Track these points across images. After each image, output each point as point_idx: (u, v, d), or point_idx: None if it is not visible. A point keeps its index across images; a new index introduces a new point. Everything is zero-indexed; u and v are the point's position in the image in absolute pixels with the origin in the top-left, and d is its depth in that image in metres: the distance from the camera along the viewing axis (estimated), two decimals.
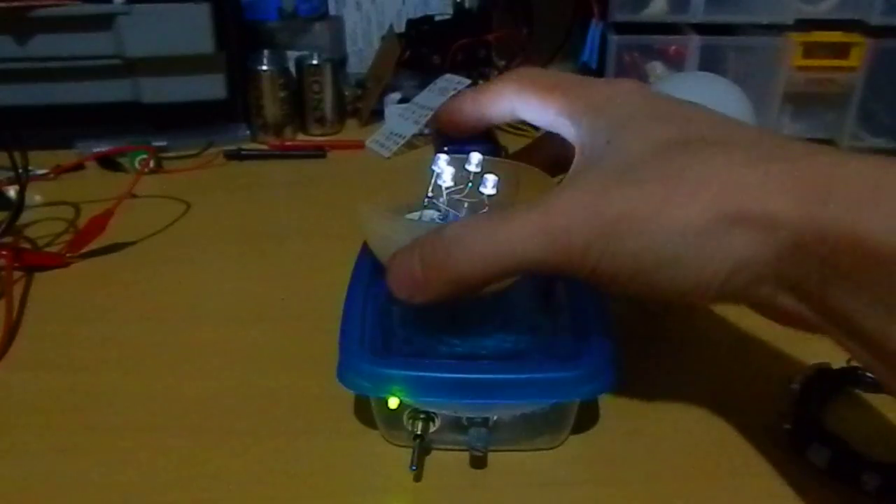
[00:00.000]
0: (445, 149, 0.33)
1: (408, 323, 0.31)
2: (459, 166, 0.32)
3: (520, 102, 0.31)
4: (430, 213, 0.33)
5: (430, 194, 0.33)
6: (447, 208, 0.32)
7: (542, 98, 0.30)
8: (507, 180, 0.32)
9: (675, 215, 0.24)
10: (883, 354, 0.22)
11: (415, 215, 0.33)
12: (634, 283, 0.25)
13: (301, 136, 0.74)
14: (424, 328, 0.31)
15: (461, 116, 0.34)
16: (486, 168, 0.32)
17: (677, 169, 0.24)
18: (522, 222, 0.25)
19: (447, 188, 0.32)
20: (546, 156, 0.34)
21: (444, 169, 0.32)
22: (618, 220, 0.24)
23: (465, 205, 0.32)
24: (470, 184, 0.32)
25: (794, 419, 0.30)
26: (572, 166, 0.28)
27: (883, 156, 0.23)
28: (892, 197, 0.21)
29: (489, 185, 0.31)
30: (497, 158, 0.34)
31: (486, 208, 0.31)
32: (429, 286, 0.27)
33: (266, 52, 0.70)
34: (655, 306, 0.42)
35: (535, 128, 0.32)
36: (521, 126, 0.72)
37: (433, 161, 0.32)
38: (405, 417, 0.29)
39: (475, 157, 0.33)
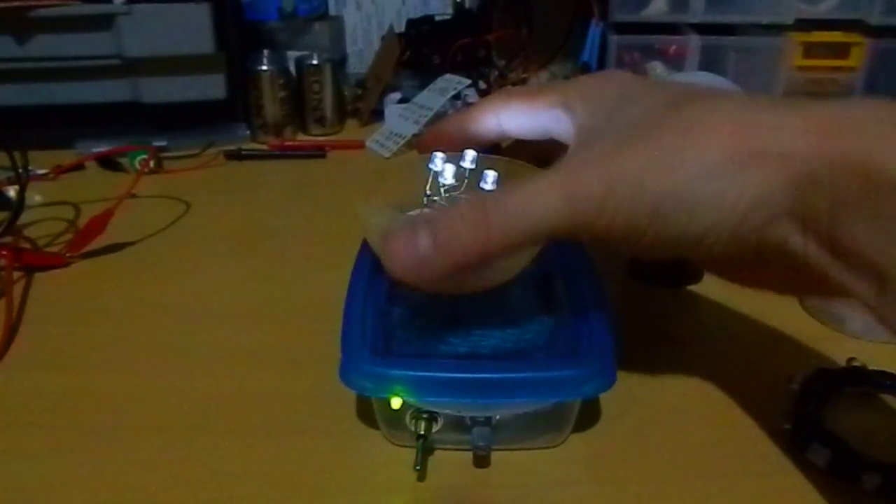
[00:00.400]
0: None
1: (408, 323, 0.31)
2: (457, 164, 0.32)
3: (506, 113, 0.32)
4: (428, 211, 0.33)
5: (428, 192, 0.33)
6: (446, 206, 0.32)
7: (531, 100, 0.31)
8: (503, 177, 0.32)
9: (692, 159, 0.24)
10: (892, 289, 0.22)
11: (414, 214, 0.33)
12: (651, 233, 0.25)
13: (301, 136, 0.74)
14: (425, 328, 0.31)
15: (443, 136, 0.34)
16: (482, 165, 0.32)
17: (688, 118, 0.25)
18: (540, 186, 0.26)
19: (445, 186, 0.32)
20: (536, 150, 0.34)
21: (443, 167, 0.32)
22: (635, 170, 0.25)
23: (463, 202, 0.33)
24: (466, 180, 0.32)
25: (794, 419, 0.31)
26: (571, 147, 0.29)
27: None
28: None
29: (489, 180, 0.31)
30: (492, 155, 0.34)
31: None
32: (437, 261, 0.26)
33: (266, 52, 0.70)
34: (667, 280, 0.42)
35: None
36: None
37: (430, 160, 0.32)
38: (408, 417, 0.29)
39: (469, 154, 0.33)
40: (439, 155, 0.32)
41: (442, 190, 0.32)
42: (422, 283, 0.27)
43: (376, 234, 0.32)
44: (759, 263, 0.26)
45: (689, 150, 0.24)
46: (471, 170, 0.33)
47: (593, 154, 0.26)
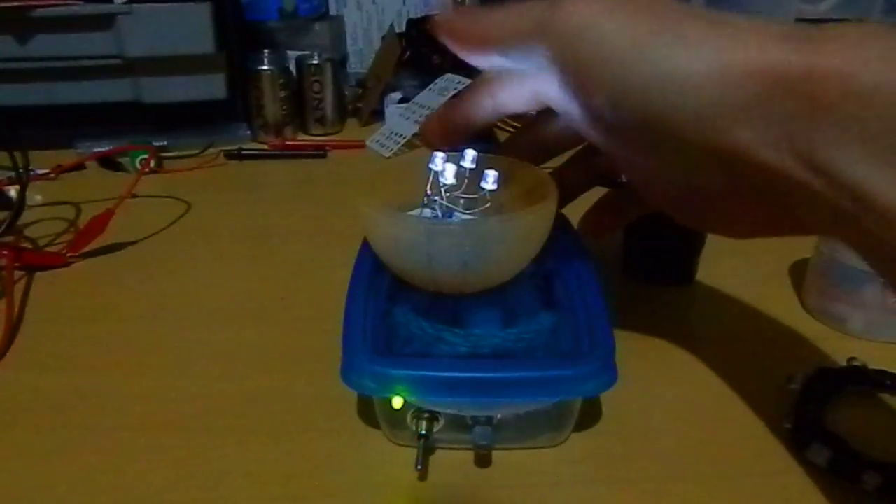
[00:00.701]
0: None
1: (409, 323, 0.31)
2: (457, 164, 0.32)
3: (498, 87, 0.32)
4: (428, 212, 0.33)
5: (428, 192, 0.33)
6: (447, 205, 0.32)
7: (519, 74, 0.31)
8: (504, 176, 0.32)
9: (681, 60, 0.24)
10: (868, 206, 0.22)
11: (414, 213, 0.33)
12: (638, 113, 0.26)
13: (301, 136, 0.74)
14: (426, 328, 0.31)
15: (450, 129, 0.34)
16: (482, 164, 0.32)
17: (676, 23, 0.25)
18: (522, 11, 0.28)
19: (446, 186, 0.32)
20: (532, 141, 0.35)
21: (444, 167, 0.32)
22: (629, 53, 0.25)
23: (462, 202, 0.32)
24: (466, 180, 0.32)
25: (795, 419, 0.31)
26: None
27: None
28: (880, 42, 0.22)
29: (490, 180, 0.31)
30: (491, 155, 0.34)
31: (489, 204, 0.31)
32: (465, 42, 0.31)
33: (266, 52, 0.70)
34: (662, 278, 0.43)
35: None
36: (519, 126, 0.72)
37: (430, 159, 0.32)
38: (409, 417, 0.29)
39: (469, 153, 0.33)
40: (439, 154, 0.32)
41: (442, 190, 0.32)
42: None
43: (378, 234, 0.32)
44: (733, 192, 0.27)
45: (669, 24, 0.25)
46: (471, 169, 0.33)
47: (594, 46, 0.26)
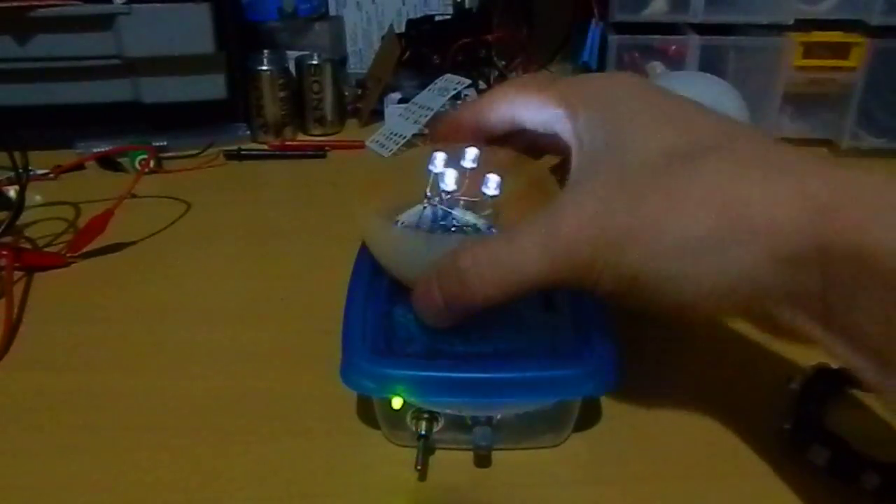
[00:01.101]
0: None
1: (409, 323, 0.31)
2: (457, 164, 0.32)
3: (520, 102, 0.31)
4: (429, 211, 0.33)
5: (428, 193, 0.32)
6: (445, 209, 0.32)
7: (541, 93, 0.30)
8: (508, 174, 0.32)
9: (677, 229, 0.24)
10: (891, 368, 0.21)
11: (413, 213, 0.33)
12: (636, 296, 0.25)
13: (301, 136, 0.74)
14: (426, 328, 0.31)
15: (459, 125, 0.33)
16: (486, 158, 0.32)
17: (679, 181, 0.24)
18: (528, 245, 0.26)
19: (445, 190, 0.32)
20: (538, 142, 0.33)
21: (444, 171, 0.32)
22: (620, 234, 0.24)
23: (462, 203, 0.32)
24: (467, 180, 0.32)
25: (794, 419, 0.31)
26: (573, 166, 0.28)
27: (884, 171, 0.23)
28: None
29: (491, 185, 0.31)
30: (491, 148, 0.33)
31: (489, 211, 0.31)
32: (451, 313, 0.28)
33: (266, 52, 0.70)
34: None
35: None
36: None
37: (430, 160, 0.32)
38: (409, 417, 0.29)
39: (471, 152, 0.32)
40: (440, 155, 0.32)
41: (442, 194, 0.32)
42: (449, 327, 0.29)
43: (375, 244, 0.31)
44: (755, 323, 0.26)
45: (674, 222, 0.24)
46: (472, 169, 0.32)
47: (582, 206, 0.26)
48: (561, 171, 0.34)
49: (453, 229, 0.32)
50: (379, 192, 0.32)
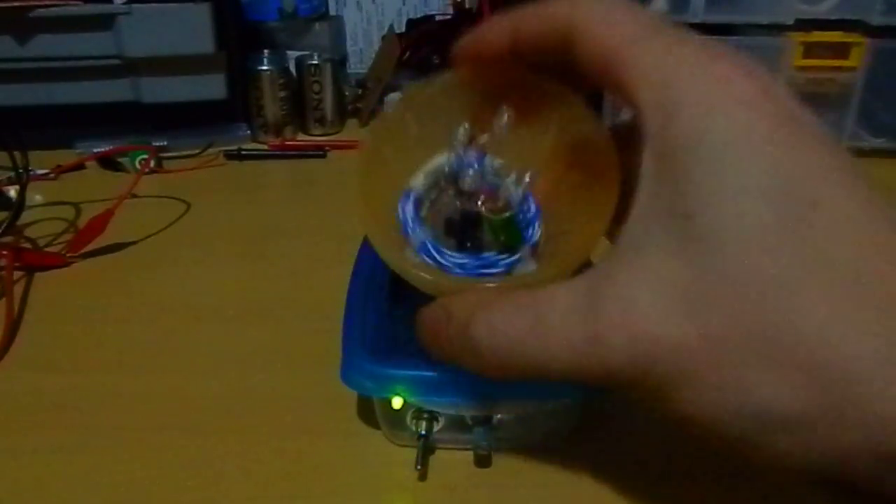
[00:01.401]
0: None
1: (409, 323, 0.31)
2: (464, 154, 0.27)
3: (583, 28, 0.21)
4: (454, 161, 0.28)
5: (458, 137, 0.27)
6: (477, 156, 0.27)
7: (618, 38, 0.20)
8: (547, 126, 0.26)
9: (757, 392, 0.17)
10: None
11: (439, 162, 0.28)
12: (683, 428, 0.19)
13: (301, 136, 0.74)
14: None
15: (488, 42, 0.25)
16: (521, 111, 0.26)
17: (774, 321, 0.17)
18: (559, 338, 0.20)
19: (458, 176, 0.28)
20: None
21: (452, 158, 0.28)
22: (675, 372, 0.18)
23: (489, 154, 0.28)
24: (473, 170, 0.27)
25: None
26: (639, 187, 0.20)
27: None
28: None
29: (509, 182, 0.27)
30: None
31: (529, 173, 0.26)
32: (459, 365, 0.23)
33: (266, 52, 0.70)
34: None
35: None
36: None
37: (454, 135, 0.27)
38: (409, 417, 0.29)
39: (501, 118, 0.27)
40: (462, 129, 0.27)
41: (450, 190, 0.29)
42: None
43: (378, 245, 0.27)
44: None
45: (759, 385, 0.17)
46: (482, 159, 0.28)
47: (633, 301, 0.18)
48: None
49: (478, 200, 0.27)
50: (379, 181, 0.28)
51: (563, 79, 0.25)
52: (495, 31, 0.24)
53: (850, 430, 0.16)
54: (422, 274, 0.25)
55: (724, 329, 0.17)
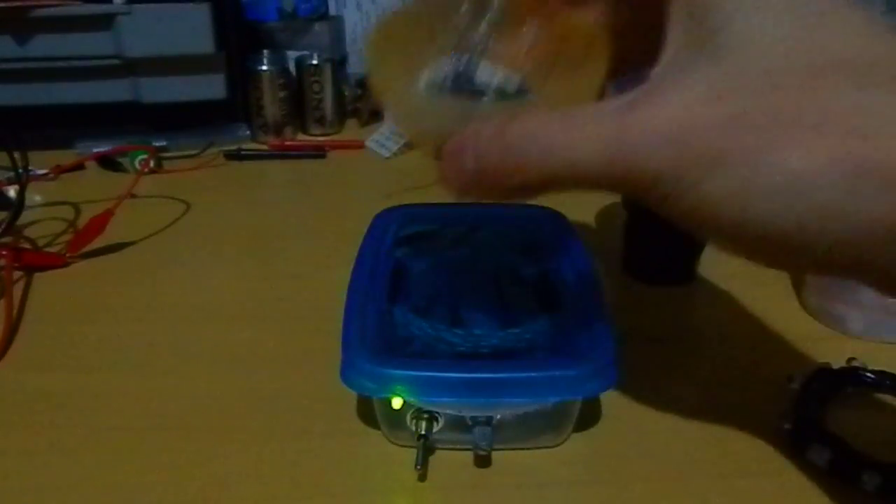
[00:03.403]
0: None
1: (409, 323, 0.32)
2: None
3: None
4: (450, 70, 0.27)
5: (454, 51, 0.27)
6: (477, 57, 0.27)
7: None
8: (541, 24, 0.27)
9: (781, 162, 0.19)
10: None
11: (440, 65, 0.27)
12: (712, 228, 0.21)
13: (301, 136, 0.74)
14: (425, 328, 0.31)
15: None
16: (510, 7, 0.27)
17: (794, 102, 0.19)
18: (590, 133, 0.21)
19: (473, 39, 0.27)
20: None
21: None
22: (705, 154, 0.20)
23: (489, 56, 0.27)
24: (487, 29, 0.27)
25: (794, 419, 0.31)
26: (667, 38, 0.22)
27: None
28: None
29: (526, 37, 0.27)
30: None
31: (527, 69, 0.27)
32: (480, 187, 0.24)
33: (266, 52, 0.70)
34: (663, 278, 0.41)
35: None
36: None
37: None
38: (408, 417, 0.29)
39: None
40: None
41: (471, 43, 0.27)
42: (473, 200, 0.25)
43: (401, 109, 0.28)
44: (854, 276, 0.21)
45: (782, 149, 0.19)
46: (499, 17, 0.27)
47: (667, 107, 0.20)
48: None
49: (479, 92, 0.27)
50: (393, 47, 0.27)
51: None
52: None
53: (874, 194, 0.18)
54: (448, 103, 0.26)
55: (753, 110, 0.19)
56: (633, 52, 0.25)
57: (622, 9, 0.26)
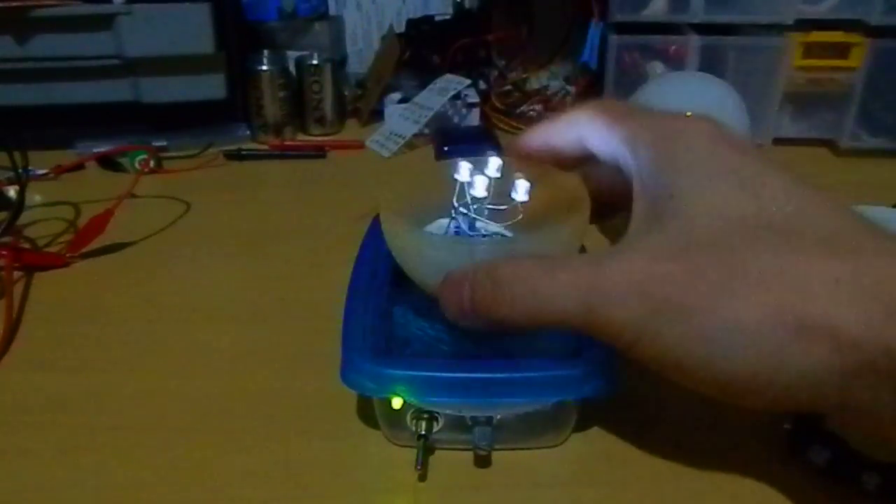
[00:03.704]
0: (446, 148, 0.33)
1: (409, 323, 0.31)
2: (480, 173, 0.31)
3: (588, 129, 0.30)
4: (453, 224, 0.32)
5: (455, 204, 0.32)
6: (474, 217, 0.32)
7: (610, 124, 0.29)
8: (535, 184, 0.31)
9: (731, 311, 0.22)
10: None
11: (439, 226, 0.32)
12: (674, 372, 0.24)
13: (301, 136, 0.74)
14: (426, 328, 0.31)
15: (529, 144, 0.32)
16: (506, 172, 0.32)
17: (740, 260, 0.22)
18: (567, 282, 0.25)
19: (474, 199, 0.31)
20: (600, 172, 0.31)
21: (473, 179, 0.31)
22: (665, 304, 0.23)
23: (486, 212, 0.32)
24: (491, 190, 0.31)
25: (794, 419, 0.30)
26: (633, 210, 0.27)
27: None
28: None
29: (521, 190, 0.31)
30: (517, 159, 0.33)
31: (521, 216, 0.31)
32: (474, 319, 0.27)
33: (266, 52, 0.70)
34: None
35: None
36: (520, 126, 0.72)
37: (454, 169, 0.31)
38: (408, 417, 0.29)
39: (494, 161, 0.32)
40: (465, 164, 0.31)
41: (470, 204, 0.31)
42: (467, 329, 0.28)
43: (406, 249, 0.31)
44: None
45: (729, 300, 0.22)
46: (497, 178, 0.32)
47: (632, 262, 0.24)
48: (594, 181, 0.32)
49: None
50: (401, 198, 0.31)
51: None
52: (537, 131, 0.33)
53: (810, 344, 0.21)
54: (453, 242, 0.31)
55: (704, 266, 0.23)
56: (616, 202, 0.30)
57: (602, 175, 0.31)
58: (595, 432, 0.32)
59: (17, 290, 0.43)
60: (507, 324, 0.26)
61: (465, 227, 0.32)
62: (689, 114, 0.28)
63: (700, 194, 0.24)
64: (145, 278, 0.46)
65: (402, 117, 0.70)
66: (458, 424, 0.30)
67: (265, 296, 0.44)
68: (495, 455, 0.30)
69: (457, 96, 0.70)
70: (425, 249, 0.30)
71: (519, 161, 0.32)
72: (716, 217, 0.24)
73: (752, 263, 0.22)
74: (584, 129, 0.30)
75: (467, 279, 0.27)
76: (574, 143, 0.31)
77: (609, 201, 0.31)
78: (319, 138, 0.73)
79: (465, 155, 0.32)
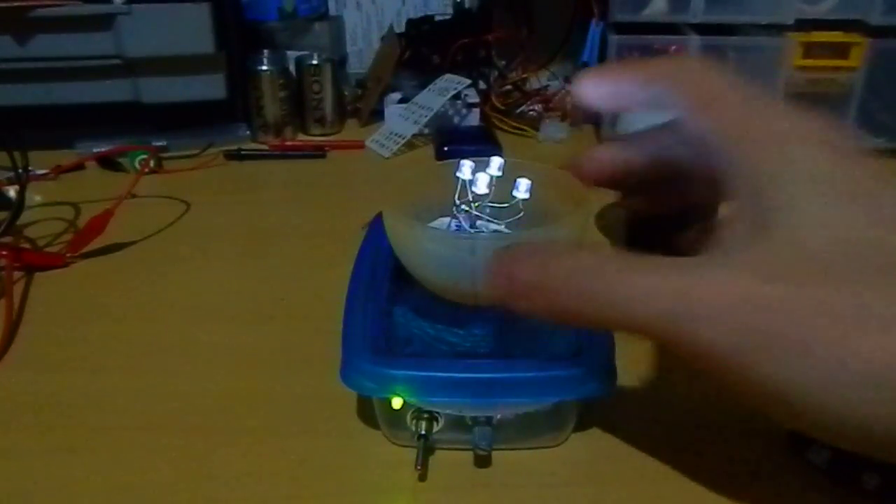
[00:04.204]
0: (446, 148, 0.33)
1: (409, 323, 0.32)
2: (483, 171, 0.31)
3: (680, 107, 0.26)
4: (454, 222, 0.32)
5: (457, 201, 0.32)
6: (476, 214, 0.32)
7: (696, 106, 0.25)
8: (538, 183, 0.31)
9: (858, 353, 0.19)
10: None
11: (442, 222, 0.32)
12: (774, 407, 0.22)
13: (301, 136, 0.74)
14: (425, 328, 0.31)
15: (601, 160, 0.30)
16: (508, 171, 0.32)
17: (868, 294, 0.20)
18: (652, 286, 0.22)
19: (476, 196, 0.31)
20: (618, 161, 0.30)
21: (475, 177, 0.31)
22: (770, 334, 0.20)
23: (487, 210, 0.32)
24: (493, 188, 0.32)
25: None
26: (729, 220, 0.23)
27: None
28: None
29: (522, 188, 0.31)
30: (517, 160, 0.33)
31: (521, 214, 0.31)
32: (524, 302, 0.24)
33: (266, 52, 0.70)
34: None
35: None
36: (520, 126, 0.72)
37: (457, 168, 0.32)
38: (408, 417, 0.29)
39: (496, 161, 0.32)
40: (467, 163, 0.31)
41: (471, 201, 0.31)
42: (506, 308, 0.25)
43: (412, 249, 0.31)
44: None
45: (845, 341, 0.19)
46: (498, 177, 0.32)
47: (732, 281, 0.21)
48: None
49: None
50: (403, 198, 0.31)
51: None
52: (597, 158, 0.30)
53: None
54: (456, 238, 0.30)
55: (823, 297, 0.20)
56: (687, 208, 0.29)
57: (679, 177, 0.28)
58: (595, 432, 0.32)
59: (17, 290, 0.43)
60: (567, 316, 0.23)
61: (465, 225, 0.32)
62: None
63: (812, 213, 0.21)
64: (145, 278, 0.46)
65: (402, 117, 0.70)
66: (458, 424, 0.30)
67: (265, 296, 0.44)
68: (495, 455, 0.30)
69: (457, 96, 0.70)
70: (427, 244, 0.30)
71: (585, 182, 0.30)
72: (832, 240, 0.20)
73: (876, 303, 0.19)
74: (673, 105, 0.26)
75: (524, 258, 0.24)
76: (653, 152, 0.28)
77: (679, 208, 0.28)
78: (319, 138, 0.73)
79: (465, 155, 0.32)
